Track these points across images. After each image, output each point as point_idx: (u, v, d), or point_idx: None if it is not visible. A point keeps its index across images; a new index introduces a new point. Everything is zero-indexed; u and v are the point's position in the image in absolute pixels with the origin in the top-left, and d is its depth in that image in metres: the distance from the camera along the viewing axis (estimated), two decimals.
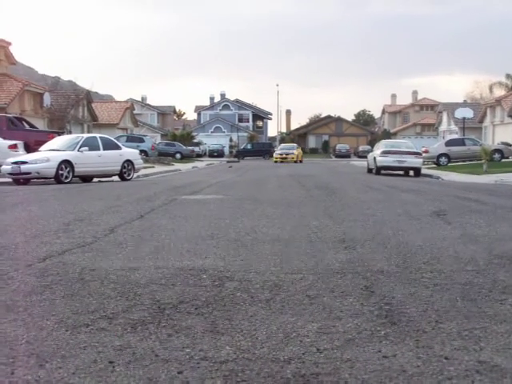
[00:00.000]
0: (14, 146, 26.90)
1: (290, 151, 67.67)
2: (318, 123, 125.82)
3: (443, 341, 4.12)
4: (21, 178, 23.22)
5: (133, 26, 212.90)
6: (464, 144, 47.21)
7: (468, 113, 62.33)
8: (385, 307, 4.94)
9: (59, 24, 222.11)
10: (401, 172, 33.95)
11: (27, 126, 33.83)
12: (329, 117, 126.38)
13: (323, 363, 3.69)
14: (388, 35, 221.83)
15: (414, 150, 33.95)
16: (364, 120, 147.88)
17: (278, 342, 4.08)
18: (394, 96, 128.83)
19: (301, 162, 65.94)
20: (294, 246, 7.84)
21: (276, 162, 64.52)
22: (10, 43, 53.20)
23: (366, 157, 47.49)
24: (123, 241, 8.26)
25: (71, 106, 57.14)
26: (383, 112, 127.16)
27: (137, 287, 5.59)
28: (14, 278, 5.96)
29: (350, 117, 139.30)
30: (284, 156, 65.83)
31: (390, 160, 32.64)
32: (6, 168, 23.32)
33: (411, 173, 33.45)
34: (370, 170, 35.54)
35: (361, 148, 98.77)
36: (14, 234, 8.91)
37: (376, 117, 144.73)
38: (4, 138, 27.66)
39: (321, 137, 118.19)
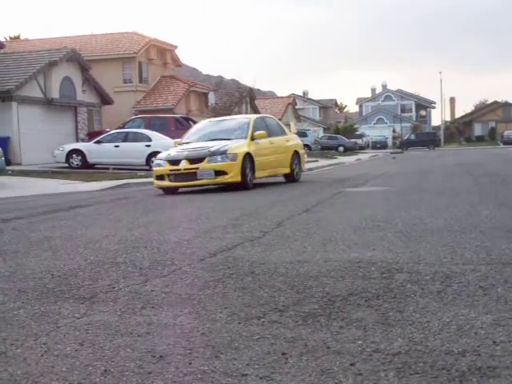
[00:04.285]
0: None
1: (221, 146, 17.34)
2: (484, 110, 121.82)
3: None
4: None
5: (288, 21, 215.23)
6: None
7: None
8: None
9: (218, 24, 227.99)
10: None
11: None
12: (495, 102, 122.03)
13: (500, 356, 3.57)
14: None
15: None
16: None
17: (451, 334, 3.99)
18: None
19: (293, 178, 19.81)
20: (463, 237, 7.62)
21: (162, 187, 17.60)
22: (175, 46, 55.13)
23: None
24: (291, 234, 8.35)
25: (235, 104, 58.43)
26: None
27: (306, 280, 5.63)
28: (188, 273, 6.17)
29: None
30: (186, 168, 17.06)
31: None
32: None
33: None
34: None
35: None
36: (185, 230, 9.21)
37: None
38: (172, 138, 28.73)
39: (487, 124, 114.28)
